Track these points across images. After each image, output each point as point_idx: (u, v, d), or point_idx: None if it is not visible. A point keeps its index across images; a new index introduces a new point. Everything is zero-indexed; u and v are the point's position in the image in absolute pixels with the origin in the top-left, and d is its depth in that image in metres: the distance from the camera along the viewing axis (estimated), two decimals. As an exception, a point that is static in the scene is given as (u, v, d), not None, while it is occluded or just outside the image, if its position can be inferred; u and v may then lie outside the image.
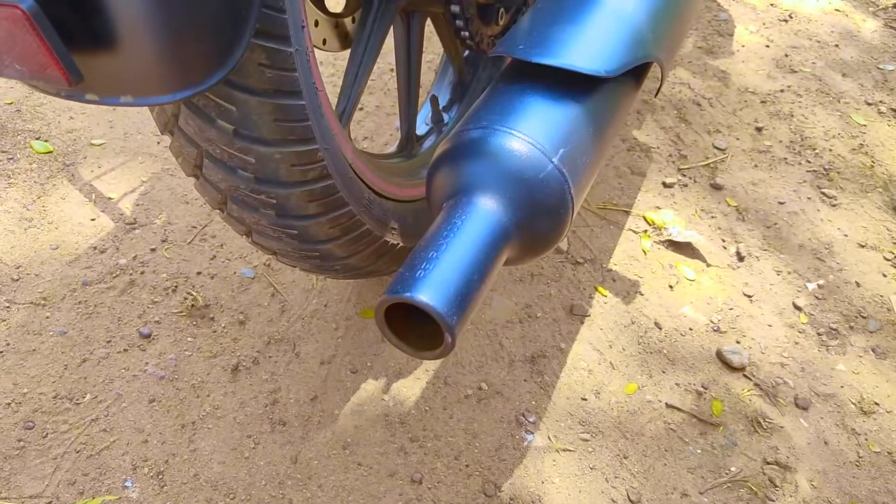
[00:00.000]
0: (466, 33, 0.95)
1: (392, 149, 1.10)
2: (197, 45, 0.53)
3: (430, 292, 0.54)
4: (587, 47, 0.69)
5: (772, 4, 1.96)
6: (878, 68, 1.77)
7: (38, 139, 1.25)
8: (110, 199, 1.18)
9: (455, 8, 0.91)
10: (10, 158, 1.21)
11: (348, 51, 0.93)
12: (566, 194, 0.64)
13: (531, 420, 1.01)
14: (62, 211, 1.15)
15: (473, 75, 1.23)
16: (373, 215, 0.84)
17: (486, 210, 0.61)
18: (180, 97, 0.55)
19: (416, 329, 0.58)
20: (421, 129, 1.15)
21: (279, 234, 0.77)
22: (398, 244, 0.95)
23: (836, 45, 1.82)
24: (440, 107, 1.20)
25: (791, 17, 1.91)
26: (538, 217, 0.63)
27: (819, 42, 1.83)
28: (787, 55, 1.77)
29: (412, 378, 1.03)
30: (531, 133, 0.63)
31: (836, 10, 1.97)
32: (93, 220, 1.14)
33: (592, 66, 0.67)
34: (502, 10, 0.98)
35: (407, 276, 0.56)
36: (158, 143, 1.29)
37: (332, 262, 0.84)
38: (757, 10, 1.93)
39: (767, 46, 1.80)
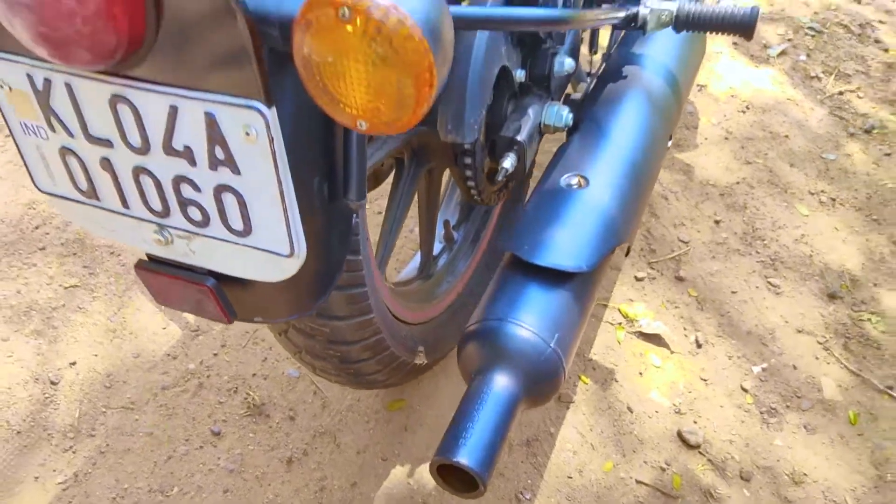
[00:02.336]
0: (474, 188, 1.17)
1: (411, 273, 1.32)
2: (309, 291, 0.75)
3: (468, 456, 0.76)
4: (572, 248, 0.91)
5: (732, 95, 2.19)
6: (822, 157, 2.01)
7: (112, 254, 1.46)
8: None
9: (468, 172, 1.13)
10: (91, 273, 1.42)
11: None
12: (560, 369, 0.86)
13: (527, 497, 1.24)
14: (138, 321, 1.36)
15: (477, 198, 1.45)
16: (400, 343, 1.06)
17: (502, 386, 0.83)
18: (295, 318, 0.77)
19: (458, 474, 0.80)
20: (435, 248, 1.37)
21: (326, 356, 0.99)
22: (422, 362, 1.17)
23: (787, 136, 2.06)
24: (451, 226, 1.42)
25: (748, 108, 2.14)
26: (541, 386, 0.85)
27: (772, 133, 2.06)
28: (743, 147, 2.01)
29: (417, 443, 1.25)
30: (533, 324, 0.86)
31: (789, 98, 2.20)
32: (164, 328, 1.35)
33: (577, 263, 0.89)
34: (504, 172, 1.20)
35: (452, 443, 0.77)
36: (211, 252, 1.50)
37: (362, 377, 1.06)
38: (719, 101, 2.16)
39: (726, 139, 2.03)
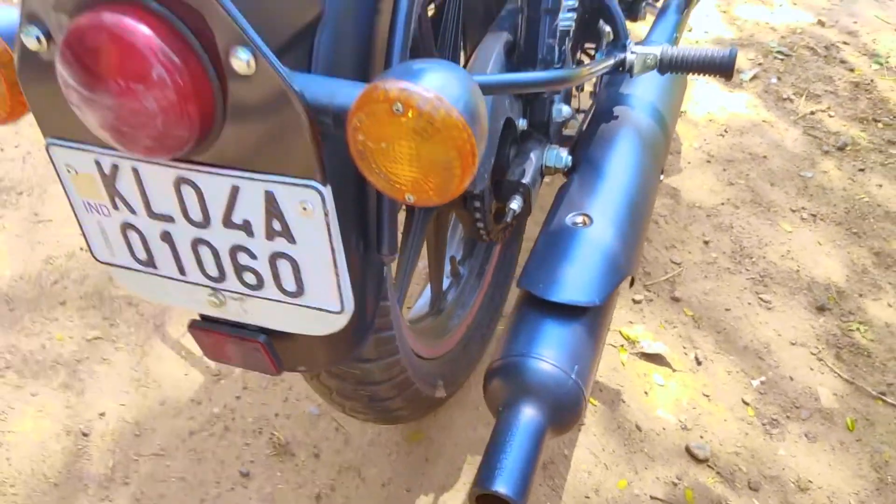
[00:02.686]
0: (482, 228, 1.22)
1: (423, 310, 1.37)
2: (349, 340, 0.80)
3: (505, 485, 0.81)
4: (584, 284, 0.97)
5: (710, 120, 2.28)
6: (800, 175, 2.10)
7: (129, 304, 1.50)
8: (195, 354, 1.43)
9: (477, 214, 1.19)
10: (112, 324, 1.45)
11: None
12: (581, 398, 0.91)
13: (548, 519, 1.28)
14: (161, 369, 1.39)
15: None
16: (422, 379, 1.11)
17: (529, 417, 0.88)
18: (334, 366, 0.82)
19: (496, 502, 0.85)
20: (444, 284, 1.43)
21: (356, 397, 1.03)
22: (442, 395, 1.22)
23: (765, 156, 2.15)
24: (457, 262, 1.48)
25: (727, 132, 2.23)
26: (565, 415, 0.90)
27: (751, 154, 2.15)
28: (724, 169, 2.09)
29: (453, 491, 1.29)
30: (553, 357, 0.91)
31: (764, 120, 2.30)
32: (186, 374, 1.39)
33: (590, 298, 0.95)
34: (512, 213, 1.27)
35: (489, 474, 0.82)
36: (226, 298, 1.54)
37: (388, 413, 1.10)
38: (699, 125, 2.25)
39: (708, 162, 2.12)
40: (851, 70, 2.59)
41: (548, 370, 0.90)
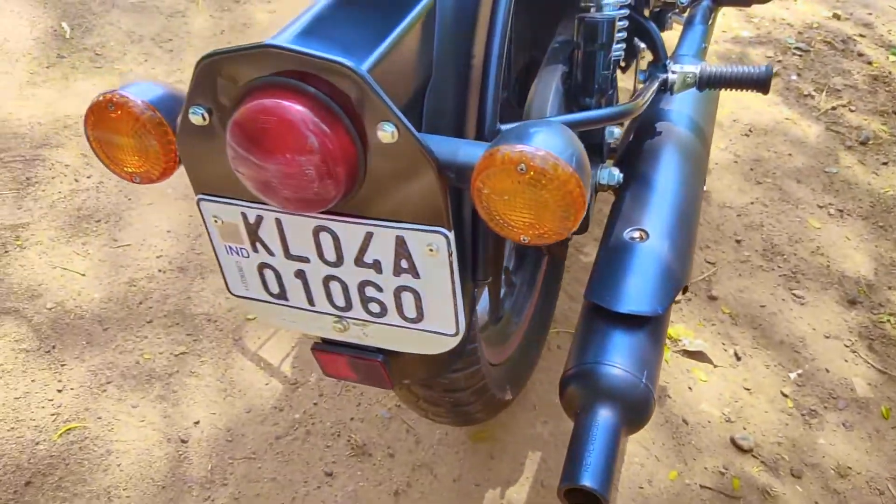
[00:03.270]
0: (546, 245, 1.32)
1: (483, 319, 1.47)
2: (450, 356, 0.90)
3: (591, 480, 0.90)
4: (646, 295, 1.07)
5: (735, 120, 2.36)
6: (825, 171, 2.18)
7: (208, 320, 1.62)
8: (273, 365, 1.55)
9: None
10: (195, 340, 1.57)
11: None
12: (651, 400, 1.01)
13: (607, 507, 1.38)
14: (244, 380, 1.51)
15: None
16: (496, 384, 1.22)
17: (606, 418, 0.98)
18: (435, 379, 0.92)
19: (582, 496, 0.94)
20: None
21: (441, 403, 1.14)
22: (510, 398, 1.32)
23: (790, 154, 2.23)
24: (510, 272, 1.58)
25: (751, 132, 2.31)
26: (638, 416, 1.00)
27: (776, 153, 2.23)
28: (752, 168, 2.17)
29: (518, 485, 1.40)
30: (625, 364, 1.01)
31: (786, 118, 2.38)
32: (267, 384, 1.51)
33: (654, 307, 1.05)
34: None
35: (575, 470, 0.91)
36: (295, 311, 1.65)
37: (467, 417, 1.21)
38: (724, 126, 2.33)
39: (735, 162, 2.20)
40: (869, 63, 2.65)
41: (621, 376, 1.00)
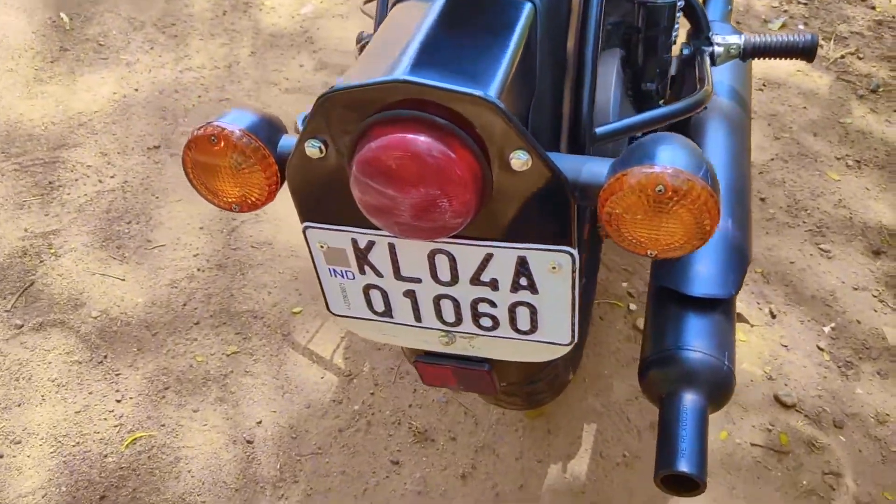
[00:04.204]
0: (601, 227, 1.32)
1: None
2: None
3: (687, 465, 0.91)
4: (719, 277, 1.07)
5: (746, 74, 2.34)
6: (839, 122, 2.18)
7: (255, 317, 1.61)
8: (325, 358, 1.55)
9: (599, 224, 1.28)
10: (245, 338, 1.57)
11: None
12: (733, 380, 1.02)
13: (665, 473, 1.42)
14: (299, 375, 1.51)
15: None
16: (563, 368, 1.23)
17: (692, 402, 1.00)
18: (532, 379, 0.93)
19: (678, 479, 0.96)
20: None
21: (519, 393, 1.15)
22: (571, 378, 1.34)
23: (804, 107, 2.22)
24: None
25: (765, 86, 2.30)
26: (722, 397, 1.02)
27: (791, 106, 2.23)
28: (769, 124, 2.17)
29: (578, 458, 1.43)
30: (705, 348, 1.02)
31: (798, 70, 2.36)
32: (322, 378, 1.51)
33: (727, 290, 1.06)
34: None
35: (671, 457, 0.92)
36: (339, 301, 1.65)
37: (538, 401, 1.22)
38: (736, 81, 2.32)
39: (752, 118, 2.19)
40: (873, 8, 2.63)
41: (704, 360, 1.02)
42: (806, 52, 1.30)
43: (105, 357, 1.51)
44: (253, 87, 2.23)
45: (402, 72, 0.64)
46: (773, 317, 1.68)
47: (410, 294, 0.80)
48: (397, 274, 0.78)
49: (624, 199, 0.64)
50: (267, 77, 2.28)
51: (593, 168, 0.68)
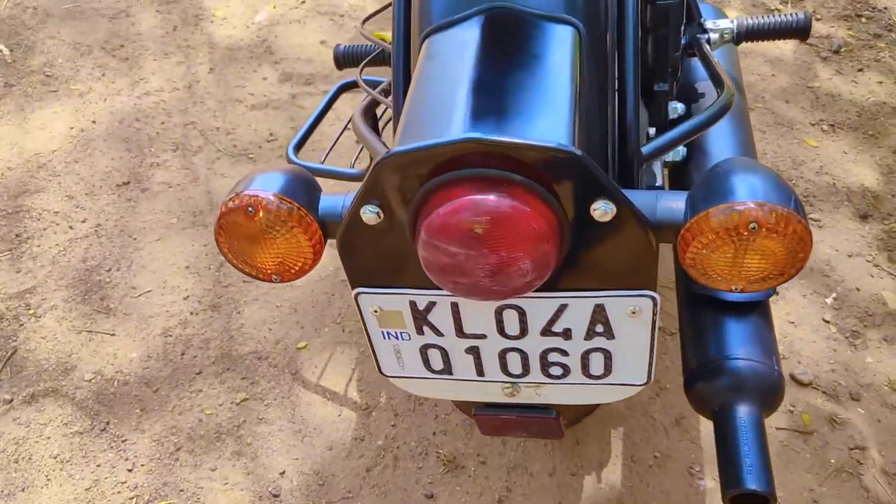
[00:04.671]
0: None
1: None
2: None
3: (755, 482, 0.84)
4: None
5: (712, 46, 2.28)
6: (808, 87, 2.14)
7: (259, 359, 1.50)
8: (339, 393, 1.45)
9: None
10: (252, 383, 1.46)
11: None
12: (783, 383, 0.96)
13: (697, 469, 1.37)
14: (315, 415, 1.41)
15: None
16: None
17: (747, 413, 0.93)
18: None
19: (748, 496, 0.90)
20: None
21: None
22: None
23: (773, 75, 2.17)
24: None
25: (731, 56, 2.25)
26: (775, 402, 0.95)
27: (760, 75, 2.18)
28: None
29: (610, 465, 1.37)
30: (752, 355, 0.95)
31: (759, 36, 2.31)
32: (339, 415, 1.41)
33: (765, 292, 0.99)
34: None
35: (737, 476, 0.84)
36: (344, 330, 1.55)
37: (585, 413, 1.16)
38: (703, 54, 2.26)
39: (724, 90, 2.13)
40: (821, -34, 2.59)
41: (753, 367, 0.95)
42: (800, 30, 1.24)
43: (107, 423, 1.38)
44: (218, 107, 2.08)
45: (467, 128, 0.57)
46: (776, 293, 1.64)
47: (473, 350, 0.72)
48: (459, 332, 0.70)
49: (711, 240, 0.58)
50: (230, 94, 2.13)
51: (669, 205, 0.62)
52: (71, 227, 1.71)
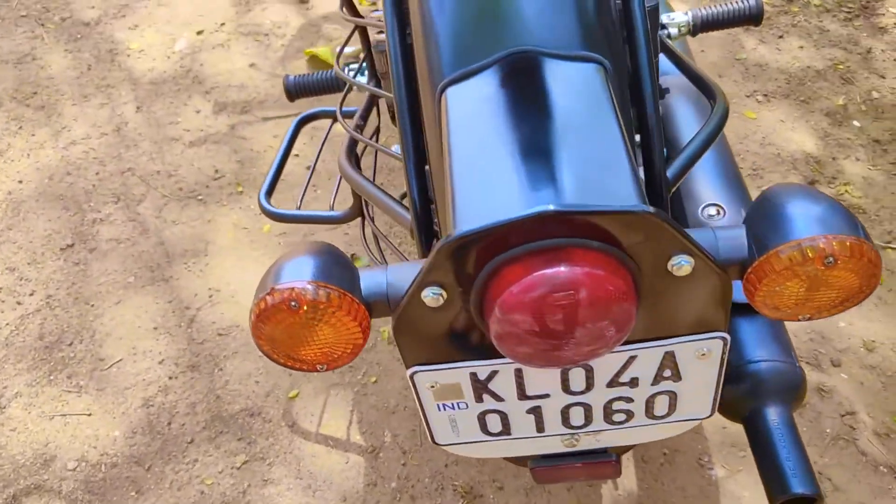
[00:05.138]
0: None
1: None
2: None
3: (801, 486, 0.81)
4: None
5: (641, 28, 2.28)
6: (737, 59, 2.16)
7: (251, 415, 1.40)
8: (341, 439, 1.38)
9: None
10: (250, 443, 1.36)
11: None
12: (805, 376, 0.95)
13: (706, 460, 1.37)
14: (322, 467, 1.33)
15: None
16: None
17: (778, 415, 0.91)
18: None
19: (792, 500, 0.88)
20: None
21: None
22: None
23: (702, 50, 2.19)
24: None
25: (661, 36, 2.25)
26: (800, 397, 0.94)
27: (692, 51, 2.19)
28: (677, 75, 2.13)
29: (624, 470, 1.36)
30: (774, 355, 0.93)
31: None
32: (346, 462, 1.34)
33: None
34: None
35: (781, 481, 0.81)
36: (334, 371, 1.47)
37: None
38: (634, 37, 2.25)
39: (661, 72, 2.14)
40: (727, -63, 2.63)
41: (776, 368, 0.93)
42: (753, 17, 1.25)
43: (102, 514, 1.27)
44: (153, 149, 1.93)
45: (536, 199, 0.54)
46: (746, 270, 1.66)
47: (535, 410, 0.67)
48: (521, 395, 0.66)
49: (787, 277, 0.56)
50: (164, 133, 1.98)
51: (730, 241, 0.60)
52: (19, 303, 1.55)
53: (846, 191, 1.80)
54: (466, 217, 0.55)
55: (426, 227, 0.79)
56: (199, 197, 1.80)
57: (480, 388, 0.65)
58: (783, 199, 0.59)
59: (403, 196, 1.13)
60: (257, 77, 2.15)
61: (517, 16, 0.69)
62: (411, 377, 0.65)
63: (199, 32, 2.28)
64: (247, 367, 1.47)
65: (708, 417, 0.72)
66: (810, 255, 0.54)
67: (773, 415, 0.91)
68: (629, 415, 0.69)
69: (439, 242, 0.54)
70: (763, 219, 0.58)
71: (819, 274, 0.56)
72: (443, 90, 0.68)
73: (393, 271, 0.61)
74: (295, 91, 1.37)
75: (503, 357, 0.62)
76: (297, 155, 1.87)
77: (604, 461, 0.76)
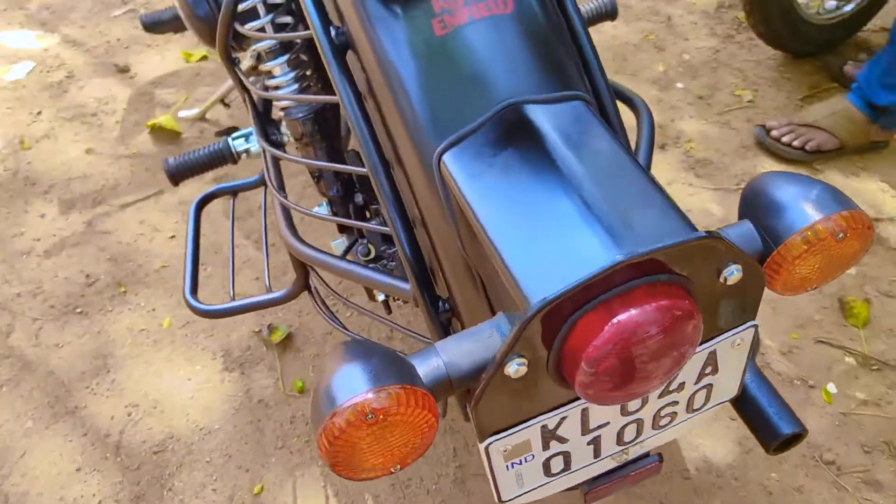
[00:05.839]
0: None
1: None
2: None
3: (789, 425, 0.83)
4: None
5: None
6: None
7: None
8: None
9: None
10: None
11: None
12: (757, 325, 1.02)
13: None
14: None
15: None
16: None
17: (749, 368, 0.95)
18: None
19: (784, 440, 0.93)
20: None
21: None
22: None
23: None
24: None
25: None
26: (758, 345, 1.01)
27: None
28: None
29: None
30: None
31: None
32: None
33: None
34: None
35: (770, 428, 0.82)
36: (291, 451, 1.37)
37: None
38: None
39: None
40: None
41: None
42: (609, 13, 1.32)
43: None
44: (5, 269, 1.67)
45: (605, 251, 0.53)
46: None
47: (594, 440, 0.67)
48: (584, 430, 0.65)
49: (805, 260, 0.61)
50: (11, 247, 1.72)
51: (743, 238, 0.63)
52: None
53: (691, 147, 1.96)
54: (535, 284, 0.54)
55: (428, 288, 0.76)
56: (78, 310, 1.59)
57: (548, 436, 0.64)
58: (779, 190, 0.63)
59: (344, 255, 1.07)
60: (99, 163, 1.93)
61: (495, 71, 0.66)
62: (486, 449, 0.62)
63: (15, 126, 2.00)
64: (197, 477, 1.32)
65: (732, 398, 0.74)
66: (823, 235, 0.58)
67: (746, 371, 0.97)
68: (673, 416, 0.71)
69: (524, 316, 0.52)
70: (767, 210, 0.62)
71: (831, 250, 0.60)
72: (440, 156, 0.65)
73: (444, 350, 0.59)
74: (178, 174, 1.24)
75: (570, 403, 0.62)
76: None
77: (650, 465, 0.76)
